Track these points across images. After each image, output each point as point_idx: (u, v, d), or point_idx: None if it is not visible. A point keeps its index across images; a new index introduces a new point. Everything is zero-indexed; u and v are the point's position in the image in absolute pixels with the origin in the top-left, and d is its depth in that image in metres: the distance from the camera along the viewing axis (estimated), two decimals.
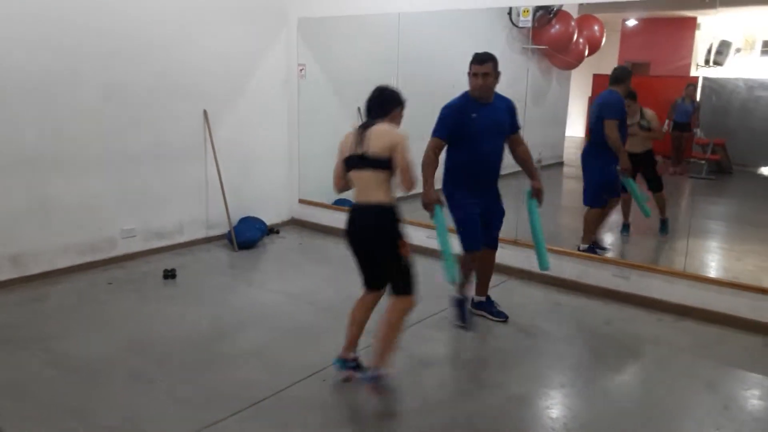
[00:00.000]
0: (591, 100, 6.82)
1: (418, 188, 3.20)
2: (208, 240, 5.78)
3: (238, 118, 5.88)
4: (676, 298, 4.32)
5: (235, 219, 5.74)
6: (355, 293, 4.79)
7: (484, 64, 3.61)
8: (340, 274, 4.91)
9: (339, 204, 6.33)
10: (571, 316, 4.29)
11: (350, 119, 6.79)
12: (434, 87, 7.00)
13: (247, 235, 5.68)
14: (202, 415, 2.89)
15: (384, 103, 3.05)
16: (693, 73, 6.94)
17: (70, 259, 4.86)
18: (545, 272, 4.22)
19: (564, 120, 6.71)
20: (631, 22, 7.59)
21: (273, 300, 4.45)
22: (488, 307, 4.13)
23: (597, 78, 7.43)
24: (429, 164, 3.64)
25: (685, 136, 6.47)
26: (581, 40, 6.85)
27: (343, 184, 3.14)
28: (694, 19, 7.15)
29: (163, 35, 5.18)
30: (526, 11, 4.99)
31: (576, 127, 7.30)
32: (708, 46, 6.58)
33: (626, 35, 7.67)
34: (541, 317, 4.26)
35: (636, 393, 3.35)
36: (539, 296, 4.64)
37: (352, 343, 3.20)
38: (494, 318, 4.08)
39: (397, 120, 3.07)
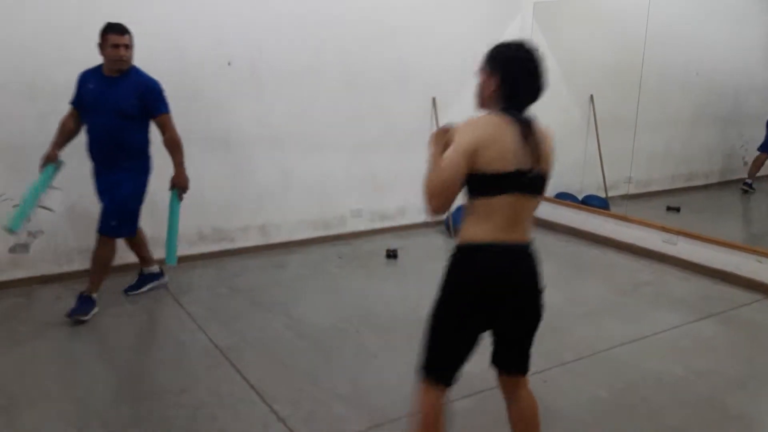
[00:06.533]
0: None
1: None
2: (425, 225, 5.92)
3: (463, 107, 5.87)
4: None
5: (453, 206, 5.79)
6: (581, 294, 4.54)
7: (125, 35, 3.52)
8: (564, 274, 4.71)
9: (560, 198, 6.07)
10: None
11: (581, 108, 6.47)
12: (680, 74, 6.38)
13: None
14: None
15: (543, 81, 1.96)
16: None
17: (306, 233, 5.31)
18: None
19: None
20: None
21: None
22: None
23: None
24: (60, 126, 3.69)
25: None
26: None
27: (451, 202, 2.00)
28: None
29: (399, 23, 5.37)
30: None
31: None
32: None
33: None
34: None
35: None
36: None
37: None
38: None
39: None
